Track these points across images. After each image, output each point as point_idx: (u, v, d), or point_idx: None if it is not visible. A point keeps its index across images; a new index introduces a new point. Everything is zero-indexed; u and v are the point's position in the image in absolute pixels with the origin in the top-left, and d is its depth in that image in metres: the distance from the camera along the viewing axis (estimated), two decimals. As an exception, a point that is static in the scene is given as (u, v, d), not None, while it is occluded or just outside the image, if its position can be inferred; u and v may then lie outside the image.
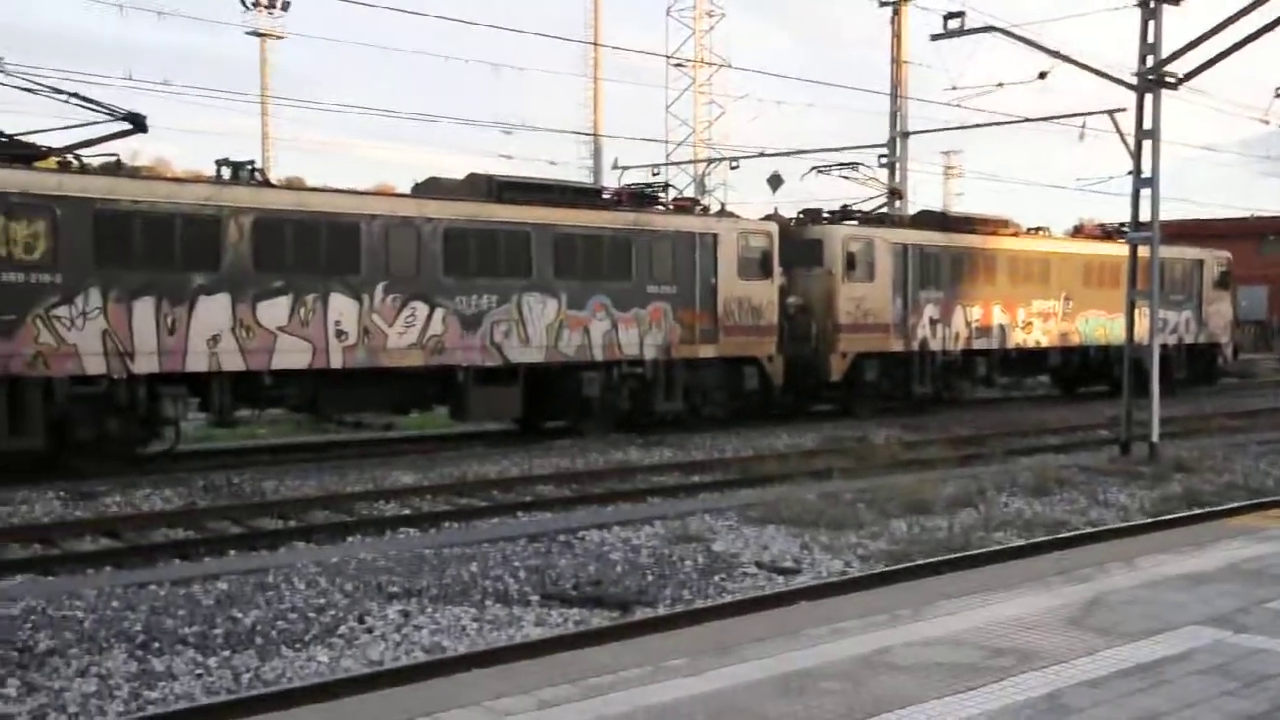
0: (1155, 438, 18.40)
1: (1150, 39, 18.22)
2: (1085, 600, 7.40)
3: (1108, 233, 31.25)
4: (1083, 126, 27.02)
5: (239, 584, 10.02)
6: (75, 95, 16.25)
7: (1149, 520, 13.35)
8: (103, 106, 16.46)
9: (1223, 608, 7.16)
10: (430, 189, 19.85)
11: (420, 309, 18.42)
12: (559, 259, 19.90)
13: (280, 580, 10.16)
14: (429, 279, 18.49)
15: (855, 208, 26.67)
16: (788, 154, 35.93)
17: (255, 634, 8.68)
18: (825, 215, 25.62)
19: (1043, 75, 23.98)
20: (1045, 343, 28.96)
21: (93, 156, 16.51)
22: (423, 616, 9.25)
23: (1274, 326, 51.16)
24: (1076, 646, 6.27)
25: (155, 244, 16.11)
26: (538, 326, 19.68)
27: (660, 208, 22.31)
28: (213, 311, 16.54)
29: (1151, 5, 18.22)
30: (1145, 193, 18.59)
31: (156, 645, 8.35)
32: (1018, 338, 28.16)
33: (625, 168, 37.77)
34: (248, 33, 52.11)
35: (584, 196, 21.60)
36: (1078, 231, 32.30)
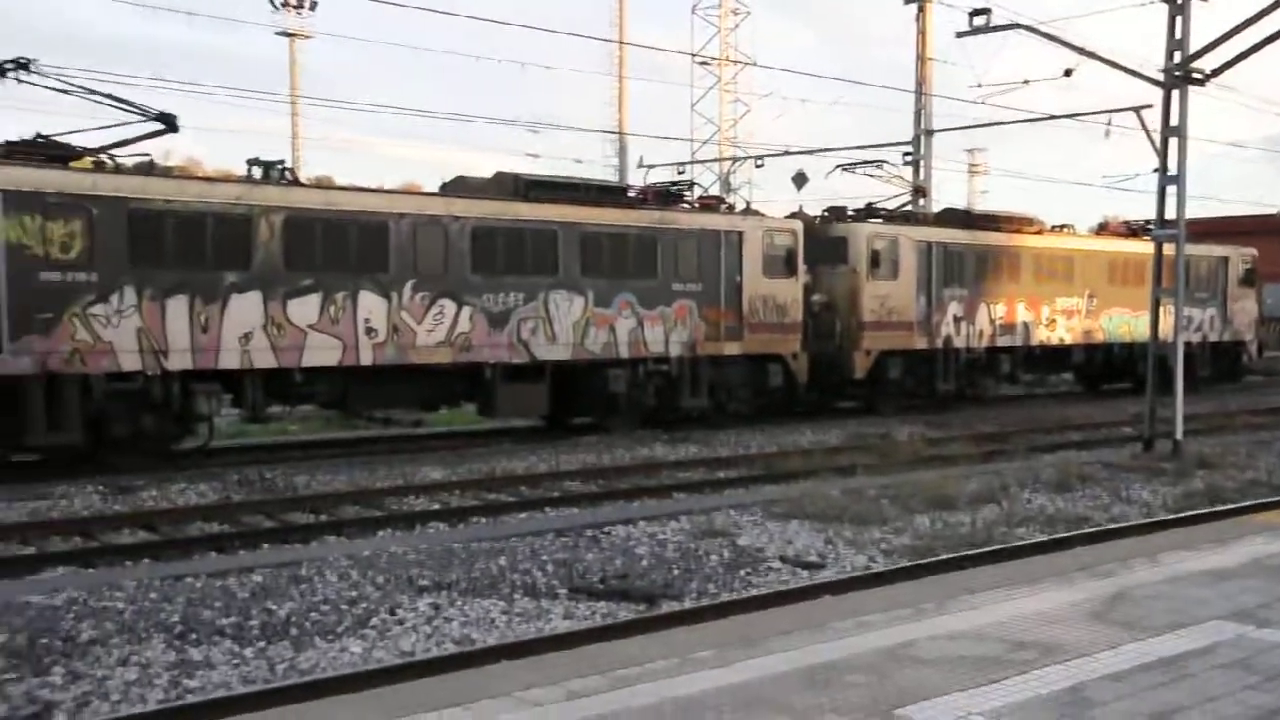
0: (1179, 435, 18.32)
1: (1177, 35, 18.11)
2: (1108, 595, 7.42)
3: (1132, 230, 31.07)
4: (1109, 124, 26.96)
5: (273, 577, 10.12)
6: (108, 96, 16.44)
7: (1172, 516, 13.33)
8: (135, 107, 16.64)
9: (1245, 603, 7.17)
10: (458, 188, 19.94)
11: (448, 307, 18.53)
12: (585, 257, 19.97)
13: (313, 573, 10.26)
14: (457, 277, 18.59)
15: (880, 206, 26.62)
16: (812, 152, 35.89)
17: (290, 625, 8.79)
18: (850, 213, 25.57)
19: (1068, 72, 23.93)
20: (1069, 340, 28.84)
21: (126, 156, 16.70)
22: (453, 609, 9.34)
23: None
24: (1099, 640, 6.30)
25: (188, 243, 16.26)
26: (564, 324, 19.76)
27: (685, 206, 22.33)
28: (244, 309, 16.69)
29: (1178, 1, 18.11)
30: (1171, 190, 18.47)
31: (194, 636, 8.47)
32: (1041, 335, 28.05)
33: (651, 166, 37.77)
34: (277, 33, 52.43)
35: (610, 195, 21.64)
36: (1102, 229, 32.13)
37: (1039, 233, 28.61)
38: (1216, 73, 18.16)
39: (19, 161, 15.47)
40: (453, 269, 18.54)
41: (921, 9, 32.76)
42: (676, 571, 10.66)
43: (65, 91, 16.32)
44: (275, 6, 52.20)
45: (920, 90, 32.97)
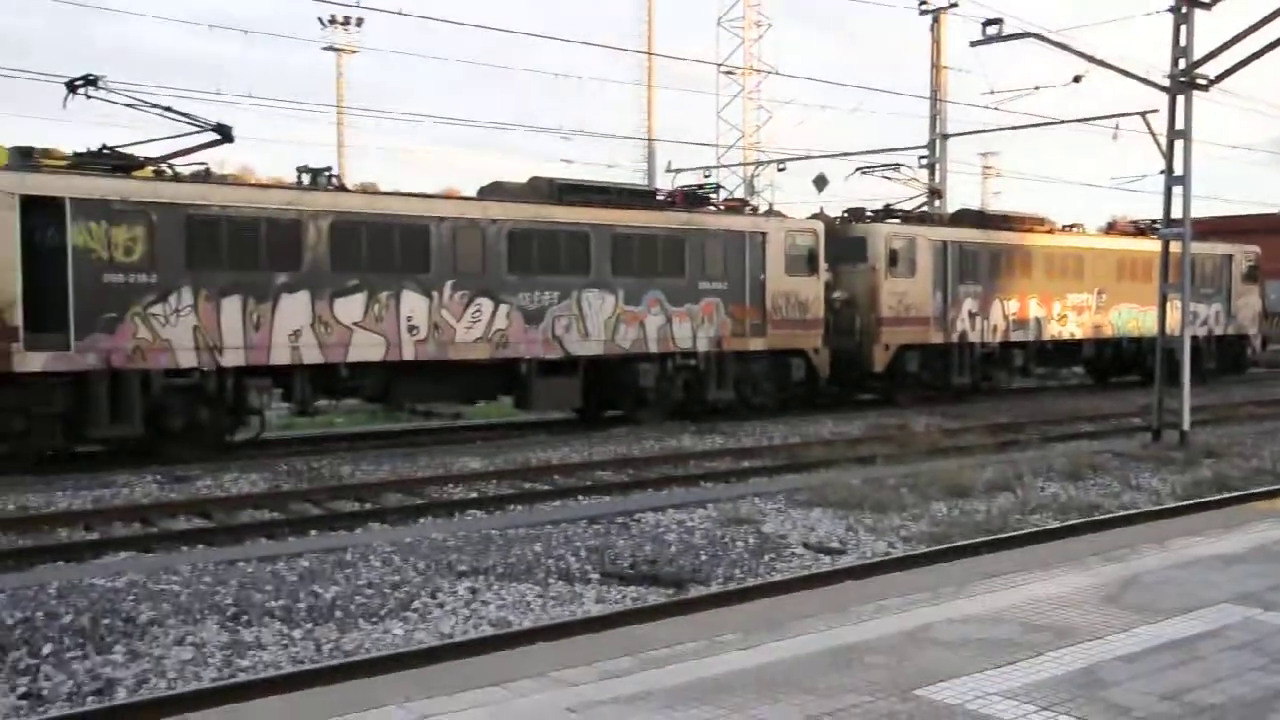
0: (1186, 425, 18.11)
1: (1182, 42, 17.91)
2: (1120, 579, 7.31)
3: (1140, 229, 30.79)
4: (1116, 128, 26.76)
5: (320, 561, 10.13)
6: (168, 109, 16.54)
7: (1180, 504, 13.17)
8: (193, 119, 16.73)
9: (1252, 587, 7.05)
10: (495, 192, 19.95)
11: (486, 305, 18.54)
12: (616, 257, 19.94)
13: (358, 558, 10.27)
14: (494, 276, 18.60)
15: (897, 207, 26.49)
16: (832, 156, 35.83)
17: (335, 608, 8.79)
18: (868, 214, 25.46)
19: (1077, 79, 23.68)
20: (1079, 335, 28.61)
21: (184, 165, 16.81)
22: (490, 593, 9.32)
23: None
24: (1112, 623, 6.20)
25: (241, 246, 16.35)
26: (596, 321, 19.73)
27: (711, 208, 22.26)
28: (294, 308, 16.75)
29: (1183, 10, 17.91)
30: (1177, 190, 18.29)
31: (246, 617, 8.49)
32: (1053, 330, 27.84)
33: (678, 170, 37.76)
34: (324, 48, 52.58)
35: (639, 198, 21.61)
36: (1111, 228, 31.83)
37: (1050, 232, 28.39)
38: (1220, 78, 17.94)
39: (86, 171, 15.63)
40: (490, 269, 18.55)
41: (937, 19, 32.54)
42: (704, 557, 10.61)
43: (130, 105, 16.46)
44: (324, 24, 52.40)
45: (935, 97, 32.77)
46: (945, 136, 32.82)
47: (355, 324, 17.29)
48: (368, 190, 21.26)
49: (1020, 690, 5.08)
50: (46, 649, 7.73)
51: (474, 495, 14.03)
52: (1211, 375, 31.17)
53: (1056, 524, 11.96)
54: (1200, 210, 23.53)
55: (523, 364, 19.07)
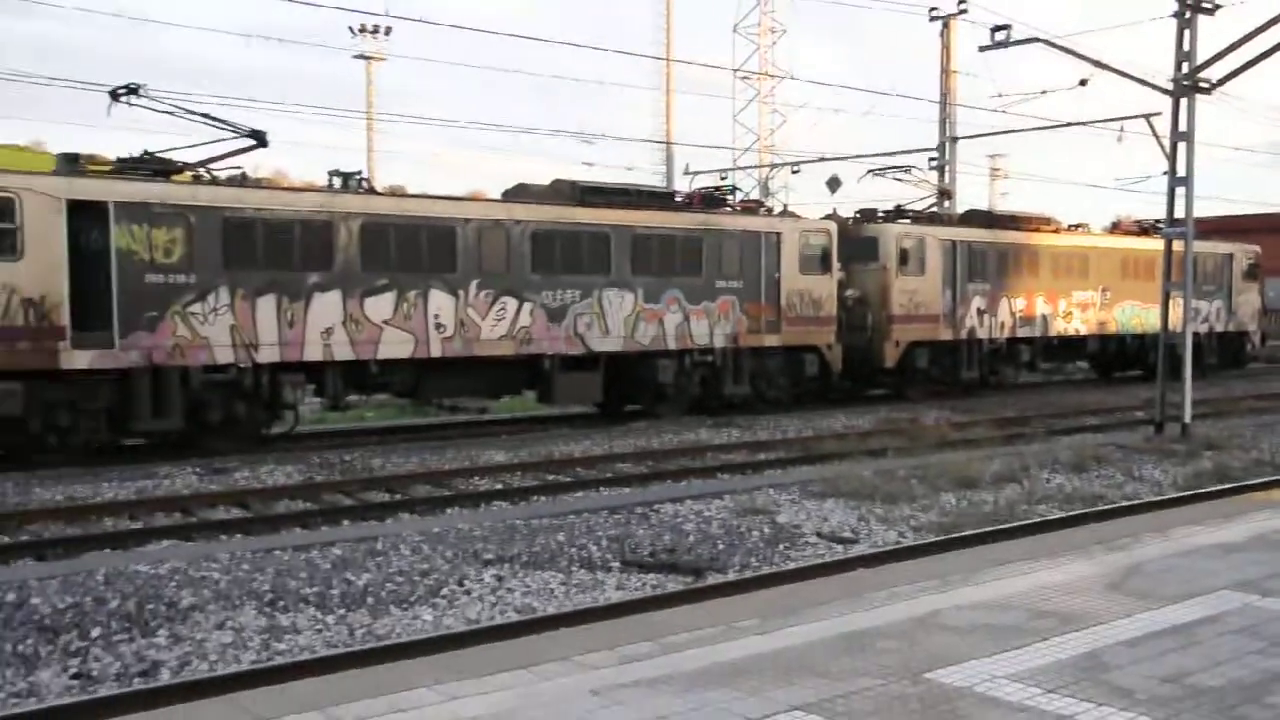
0: (1187, 418, 18.05)
1: (1185, 47, 17.82)
2: (1123, 567, 7.30)
3: (1143, 228, 30.62)
4: (1121, 130, 26.65)
5: (352, 550, 10.19)
6: (206, 115, 16.64)
7: (1181, 494, 13.12)
8: (230, 125, 16.83)
9: (1251, 574, 7.04)
10: (519, 194, 19.99)
11: (510, 303, 18.59)
12: (636, 257, 19.96)
13: (388, 547, 10.32)
14: (518, 276, 18.64)
15: (908, 208, 26.42)
16: (845, 158, 35.83)
17: (367, 595, 8.85)
18: (880, 215, 25.42)
19: (1083, 83, 23.47)
20: (1084, 331, 28.47)
21: (221, 170, 16.89)
22: (515, 580, 9.36)
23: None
24: (1115, 610, 6.20)
25: (276, 247, 16.43)
26: (617, 318, 19.76)
27: (728, 209, 22.24)
28: (326, 307, 16.83)
29: (1186, 15, 17.81)
30: (1180, 191, 18.23)
31: (282, 603, 8.56)
32: (1059, 326, 27.72)
33: (696, 172, 37.76)
34: (354, 56, 52.73)
35: (658, 199, 21.61)
36: (1115, 227, 31.67)
37: (1056, 231, 28.28)
38: (1222, 82, 17.86)
39: (128, 176, 15.75)
40: (514, 269, 18.60)
41: (946, 25, 32.37)
42: (721, 546, 10.63)
43: (169, 113, 16.55)
44: (354, 32, 52.54)
45: (945, 100, 32.63)
46: (955, 139, 32.68)
47: (385, 322, 17.36)
48: (396, 193, 21.31)
49: (1026, 674, 5.09)
50: (95, 632, 7.83)
51: (499, 487, 14.08)
52: (1212, 370, 30.99)
53: (1062, 514, 11.93)
54: (1202, 210, 23.33)
55: (546, 360, 19.11)
